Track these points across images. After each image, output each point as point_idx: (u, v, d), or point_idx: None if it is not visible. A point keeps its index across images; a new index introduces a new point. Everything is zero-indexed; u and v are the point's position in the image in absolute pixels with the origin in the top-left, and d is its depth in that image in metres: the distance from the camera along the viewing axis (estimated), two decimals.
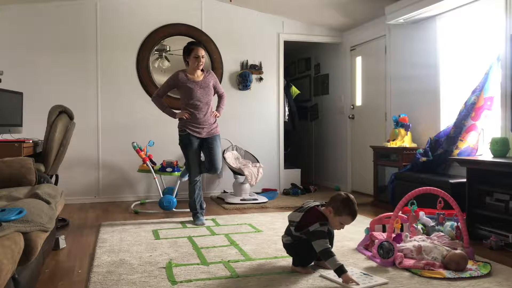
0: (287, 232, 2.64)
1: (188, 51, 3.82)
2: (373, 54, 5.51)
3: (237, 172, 5.06)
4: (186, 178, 4.24)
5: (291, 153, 6.83)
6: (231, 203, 4.88)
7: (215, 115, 3.94)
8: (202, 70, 3.92)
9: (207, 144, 3.89)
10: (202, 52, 3.81)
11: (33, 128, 4.50)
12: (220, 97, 4.07)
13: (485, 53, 3.92)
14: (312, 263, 2.64)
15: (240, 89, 5.64)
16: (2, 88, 4.02)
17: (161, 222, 3.96)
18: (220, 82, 5.55)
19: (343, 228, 2.60)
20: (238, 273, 2.51)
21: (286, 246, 2.67)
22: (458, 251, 2.63)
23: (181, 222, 3.93)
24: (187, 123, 3.84)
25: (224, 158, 5.12)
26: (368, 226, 3.21)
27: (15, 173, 2.80)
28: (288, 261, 2.76)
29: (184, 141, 3.87)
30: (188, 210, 4.05)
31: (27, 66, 4.93)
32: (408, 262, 2.61)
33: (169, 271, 2.54)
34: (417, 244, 2.72)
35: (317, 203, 2.63)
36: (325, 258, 2.40)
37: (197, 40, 5.41)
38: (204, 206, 4.01)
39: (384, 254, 2.65)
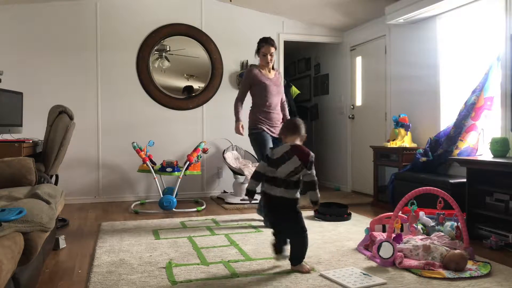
0: (287, 185, 2.49)
1: (258, 47, 3.77)
2: (373, 54, 5.51)
3: (237, 172, 5.06)
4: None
5: None
6: (231, 203, 4.87)
7: None
8: (273, 68, 3.87)
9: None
10: (271, 50, 3.71)
11: (33, 128, 4.50)
12: (282, 105, 3.91)
13: (485, 53, 3.92)
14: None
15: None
16: (2, 88, 4.02)
17: (161, 222, 3.96)
18: (220, 82, 5.56)
19: None
20: (238, 273, 2.51)
21: (279, 203, 2.52)
22: (458, 251, 2.63)
23: (181, 222, 3.93)
24: (261, 121, 3.73)
25: (224, 158, 5.12)
26: (368, 226, 3.21)
27: (15, 173, 2.80)
28: (288, 261, 2.76)
29: (259, 138, 3.71)
30: (188, 210, 4.05)
31: (27, 66, 4.93)
32: (408, 262, 2.61)
33: (169, 271, 2.54)
34: (426, 243, 2.71)
35: (288, 145, 2.57)
36: (315, 188, 2.54)
37: (198, 40, 5.43)
38: None
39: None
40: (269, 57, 3.73)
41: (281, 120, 3.84)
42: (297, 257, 2.57)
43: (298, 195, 2.57)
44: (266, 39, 3.76)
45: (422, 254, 2.66)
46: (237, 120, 3.81)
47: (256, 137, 3.74)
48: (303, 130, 2.64)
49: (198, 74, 5.51)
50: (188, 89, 5.45)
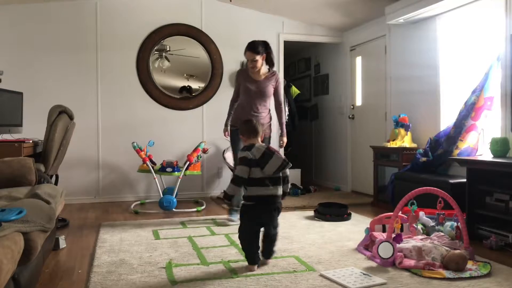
0: (275, 182, 2.62)
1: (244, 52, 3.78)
2: (373, 54, 5.51)
3: None
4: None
5: (291, 153, 6.83)
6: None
7: (284, 142, 3.93)
8: (268, 70, 3.85)
9: None
10: (252, 57, 3.69)
11: (33, 128, 4.50)
12: (277, 109, 3.93)
13: (485, 53, 3.92)
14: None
15: None
16: (2, 88, 4.02)
17: (161, 222, 3.96)
18: (220, 82, 5.56)
19: None
20: (238, 273, 2.51)
21: (272, 201, 2.62)
22: (458, 251, 2.63)
23: (181, 222, 3.93)
24: (237, 119, 3.81)
25: (224, 158, 5.12)
26: (368, 226, 3.21)
27: (15, 173, 2.80)
28: (288, 261, 2.76)
29: (233, 137, 3.88)
30: (188, 210, 4.04)
31: (27, 66, 4.93)
32: (408, 262, 2.61)
33: (169, 271, 2.54)
34: (417, 245, 2.72)
35: (263, 145, 2.68)
36: (288, 181, 2.74)
37: (198, 40, 5.43)
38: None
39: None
40: (250, 63, 3.73)
41: (265, 120, 3.86)
42: (273, 251, 2.73)
43: (282, 191, 2.70)
44: (250, 45, 3.74)
45: (417, 256, 2.66)
46: (225, 124, 4.02)
47: (231, 134, 3.92)
48: (261, 128, 2.82)
49: (198, 74, 5.51)
50: (186, 89, 5.44)
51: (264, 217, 2.64)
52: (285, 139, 3.97)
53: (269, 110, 3.92)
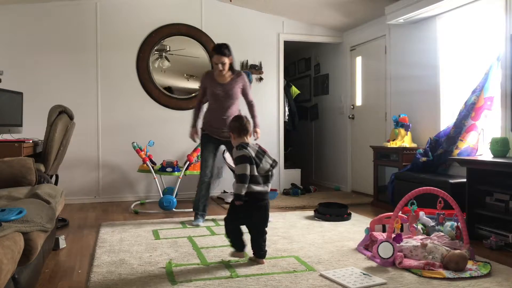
0: (265, 180, 2.69)
1: (211, 55, 3.75)
2: (373, 54, 5.51)
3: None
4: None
5: (291, 153, 6.84)
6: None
7: (259, 133, 3.84)
8: (232, 72, 3.82)
9: (228, 149, 3.88)
10: (221, 60, 3.68)
11: (33, 128, 4.49)
12: (249, 106, 3.93)
13: (485, 53, 3.92)
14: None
15: None
16: (2, 88, 4.02)
17: (161, 222, 3.96)
18: None
19: None
20: (238, 273, 2.51)
21: (262, 198, 2.69)
22: (458, 251, 2.63)
23: (181, 222, 3.93)
24: (207, 124, 3.84)
25: (224, 158, 5.11)
26: (368, 226, 3.21)
27: (15, 173, 2.80)
28: (288, 261, 2.76)
29: (202, 140, 3.89)
30: (188, 210, 4.05)
31: (27, 66, 4.93)
32: (408, 262, 2.61)
33: (169, 271, 2.54)
34: (417, 245, 2.72)
35: (247, 143, 2.73)
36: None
37: (198, 40, 5.43)
38: (207, 209, 3.99)
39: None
40: (220, 66, 3.70)
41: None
42: (264, 249, 2.74)
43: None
44: (218, 49, 3.70)
45: (420, 251, 2.66)
46: (191, 125, 3.95)
47: (201, 139, 3.91)
48: (250, 127, 2.84)
49: (198, 74, 5.50)
50: (168, 89, 5.41)
51: (254, 213, 2.70)
52: (258, 131, 3.88)
53: (239, 110, 3.89)
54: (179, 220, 4.04)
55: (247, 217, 2.70)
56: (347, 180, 6.03)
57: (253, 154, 2.65)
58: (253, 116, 3.87)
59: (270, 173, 2.72)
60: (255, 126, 3.86)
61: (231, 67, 3.79)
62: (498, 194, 3.25)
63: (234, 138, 2.78)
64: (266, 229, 2.77)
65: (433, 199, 3.06)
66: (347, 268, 2.60)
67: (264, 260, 2.74)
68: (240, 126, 2.77)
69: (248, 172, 2.59)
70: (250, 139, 2.80)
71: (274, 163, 2.72)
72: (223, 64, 3.69)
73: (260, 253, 2.73)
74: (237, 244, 2.73)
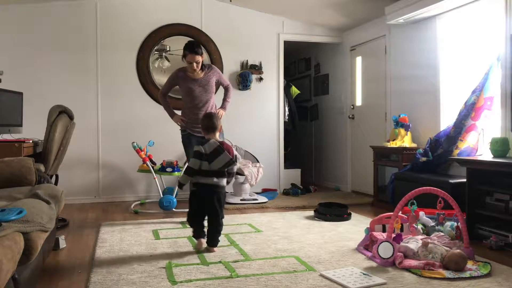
0: (219, 175, 2.96)
1: (183, 54, 3.77)
2: (373, 54, 5.51)
3: (237, 172, 5.06)
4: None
5: (291, 153, 6.83)
6: (231, 203, 4.87)
7: (221, 114, 3.85)
8: (203, 67, 3.87)
9: None
10: (195, 59, 3.71)
11: (33, 128, 4.49)
12: (225, 90, 4.04)
13: (485, 53, 3.92)
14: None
15: (240, 89, 5.64)
16: (2, 88, 4.02)
17: (161, 222, 3.96)
18: None
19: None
20: (238, 273, 2.51)
21: (211, 190, 2.95)
22: (458, 251, 2.63)
23: (181, 222, 3.92)
24: (187, 123, 3.87)
25: None
26: (368, 226, 3.21)
27: (15, 173, 2.80)
28: (288, 261, 2.76)
29: (184, 140, 3.92)
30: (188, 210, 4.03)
31: (27, 66, 4.93)
32: (408, 262, 2.61)
33: (169, 271, 2.54)
34: (423, 241, 2.72)
35: (216, 141, 2.99)
36: (233, 176, 3.11)
37: (197, 40, 5.42)
38: None
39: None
40: (194, 65, 3.73)
41: None
42: (215, 238, 2.97)
43: (225, 182, 3.04)
44: (191, 47, 3.71)
45: (420, 250, 2.66)
46: (172, 115, 3.96)
47: (182, 138, 3.96)
48: (219, 123, 3.12)
49: None
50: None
51: (205, 205, 2.97)
52: (221, 112, 3.89)
53: (215, 105, 3.94)
54: (179, 220, 4.04)
55: (200, 208, 3.00)
56: (347, 180, 6.03)
57: (208, 152, 2.91)
58: (224, 100, 4.01)
59: (225, 169, 2.96)
60: (221, 107, 3.96)
61: (202, 63, 3.85)
62: (498, 194, 3.25)
63: (205, 134, 3.09)
64: (221, 222, 3.00)
65: (433, 199, 3.06)
66: (347, 268, 2.60)
67: (215, 248, 2.95)
68: (208, 124, 3.06)
69: (195, 167, 2.92)
70: (220, 136, 3.13)
71: (230, 162, 2.95)
72: (198, 63, 3.74)
73: (210, 242, 2.97)
74: (196, 233, 3.03)
